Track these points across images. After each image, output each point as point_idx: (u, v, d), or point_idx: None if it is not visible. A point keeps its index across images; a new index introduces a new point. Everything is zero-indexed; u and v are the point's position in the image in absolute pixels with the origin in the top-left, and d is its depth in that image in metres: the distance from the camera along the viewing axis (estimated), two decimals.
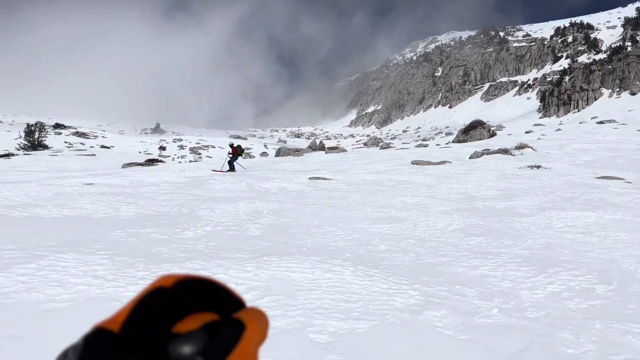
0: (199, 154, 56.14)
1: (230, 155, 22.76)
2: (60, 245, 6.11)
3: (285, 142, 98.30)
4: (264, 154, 53.60)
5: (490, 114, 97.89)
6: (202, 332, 0.40)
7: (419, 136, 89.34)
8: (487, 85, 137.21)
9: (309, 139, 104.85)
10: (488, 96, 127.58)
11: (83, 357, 0.37)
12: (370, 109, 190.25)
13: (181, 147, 60.47)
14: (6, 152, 36.76)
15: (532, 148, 23.43)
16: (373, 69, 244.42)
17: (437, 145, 39.07)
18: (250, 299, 4.41)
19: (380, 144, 47.62)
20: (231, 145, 23.45)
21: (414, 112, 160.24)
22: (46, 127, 48.99)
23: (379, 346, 3.56)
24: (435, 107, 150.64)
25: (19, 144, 43.76)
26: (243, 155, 25.78)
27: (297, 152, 33.06)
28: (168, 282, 0.42)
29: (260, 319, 0.43)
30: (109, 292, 4.32)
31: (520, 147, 23.59)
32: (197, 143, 63.27)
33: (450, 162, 20.01)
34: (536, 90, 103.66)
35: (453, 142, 37.96)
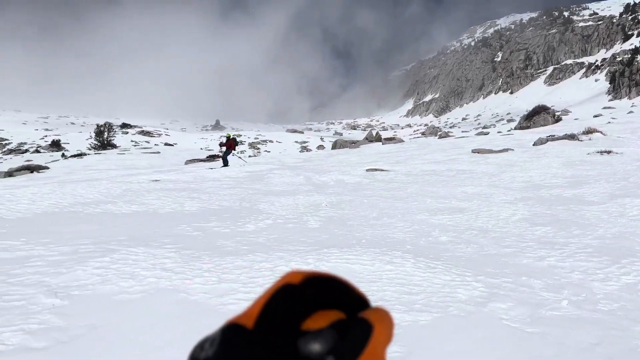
0: (258, 148, 57.23)
1: (225, 148, 21.63)
2: (130, 239, 6.43)
3: (341, 134, 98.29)
4: (320, 147, 53.86)
5: (554, 99, 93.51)
6: (331, 330, 0.39)
7: (479, 124, 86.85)
8: (550, 69, 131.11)
9: (365, 130, 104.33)
10: (552, 80, 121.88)
11: (219, 351, 0.38)
12: (428, 98, 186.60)
13: (240, 142, 61.83)
14: (79, 152, 38.98)
15: (601, 132, 22.18)
16: (429, 57, 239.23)
17: (499, 132, 37.82)
18: None
19: (439, 133, 46.65)
20: (228, 138, 22.05)
21: (473, 100, 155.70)
22: (114, 127, 51.56)
23: (442, 338, 3.51)
24: (495, 93, 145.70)
25: (90, 144, 46.34)
26: (236, 149, 23.36)
27: (354, 144, 32.98)
28: (296, 279, 0.42)
29: (386, 319, 0.43)
30: (177, 284, 4.51)
31: (589, 131, 22.36)
32: (256, 138, 64.49)
33: (512, 150, 19.32)
34: (605, 71, 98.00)
35: (515, 129, 36.59)
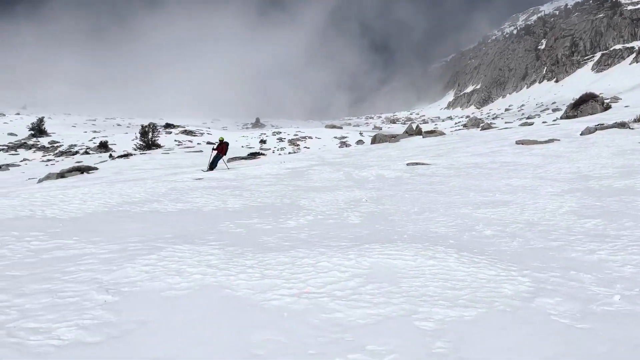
0: (297, 145, 57.54)
1: (215, 152, 20.18)
2: (176, 237, 6.61)
3: (380, 128, 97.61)
4: (359, 142, 53.67)
5: (603, 86, 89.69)
6: None
7: (522, 114, 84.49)
8: (598, 55, 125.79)
9: (404, 124, 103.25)
10: (600, 66, 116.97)
11: None
12: (469, 89, 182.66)
13: (280, 139, 62.36)
14: (125, 153, 40.26)
15: None
16: (470, 47, 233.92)
17: (544, 122, 36.70)
18: (353, 287, 4.48)
19: (481, 124, 45.65)
20: (221, 141, 20.32)
21: (516, 89, 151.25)
22: (158, 128, 52.98)
23: (488, 334, 3.45)
24: (539, 82, 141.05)
25: (135, 145, 47.78)
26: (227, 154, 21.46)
27: (393, 138, 32.69)
28: None
29: None
30: (222, 281, 4.60)
31: None
32: (295, 135, 64.86)
33: (559, 140, 18.69)
34: None
35: (561, 118, 35.38)
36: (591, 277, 4.72)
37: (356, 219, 8.22)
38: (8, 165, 36.07)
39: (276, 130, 74.35)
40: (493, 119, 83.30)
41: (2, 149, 56.30)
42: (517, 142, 19.42)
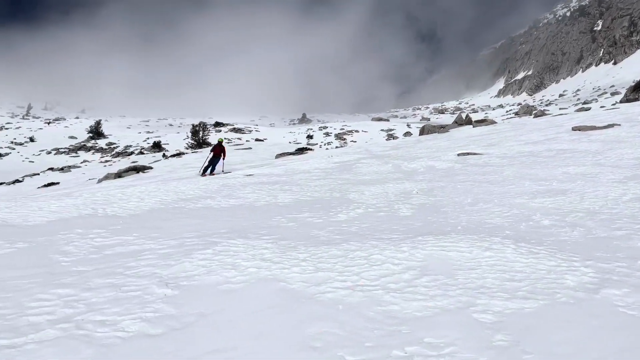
0: (344, 139, 57.48)
1: (212, 155, 18.56)
2: (230, 231, 6.75)
3: (428, 119, 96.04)
4: (407, 133, 53.01)
5: None
6: None
7: (578, 99, 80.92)
8: None
9: (453, 114, 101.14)
10: None
11: None
12: (520, 76, 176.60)
13: (327, 134, 62.50)
14: (178, 152, 41.47)
15: None
16: (520, 32, 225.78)
17: (602, 107, 35.02)
18: (407, 279, 4.43)
19: (534, 111, 44.05)
20: (220, 143, 18.87)
21: (570, 74, 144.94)
22: (208, 126, 54.27)
23: (552, 327, 3.32)
24: (596, 65, 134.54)
25: (187, 143, 49.15)
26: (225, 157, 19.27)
27: (442, 128, 32.08)
28: None
29: None
30: (276, 274, 4.66)
31: None
32: (342, 129, 64.82)
33: (619, 125, 17.76)
34: None
35: (621, 102, 33.62)
36: None
37: (407, 211, 8.12)
38: (70, 167, 37.91)
39: (322, 125, 74.52)
40: (546, 105, 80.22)
41: (64, 152, 59.25)
42: (574, 129, 18.61)
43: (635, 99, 30.85)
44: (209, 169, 18.14)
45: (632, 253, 4.97)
